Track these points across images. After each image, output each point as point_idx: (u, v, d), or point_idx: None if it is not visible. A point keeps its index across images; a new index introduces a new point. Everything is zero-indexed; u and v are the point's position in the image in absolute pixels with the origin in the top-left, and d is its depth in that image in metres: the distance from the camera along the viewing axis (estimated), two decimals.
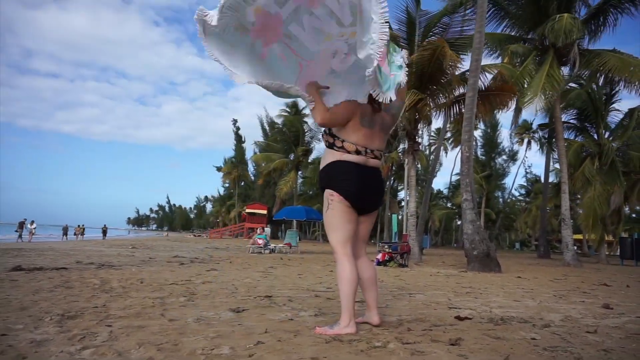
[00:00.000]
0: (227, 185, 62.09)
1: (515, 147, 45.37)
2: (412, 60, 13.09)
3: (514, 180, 47.37)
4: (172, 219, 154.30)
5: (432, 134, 38.94)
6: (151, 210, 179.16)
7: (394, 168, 32.85)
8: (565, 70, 16.36)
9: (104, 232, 34.84)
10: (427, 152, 39.05)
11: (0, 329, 2.48)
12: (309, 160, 38.75)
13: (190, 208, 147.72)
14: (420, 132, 18.87)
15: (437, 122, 23.55)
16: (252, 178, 55.91)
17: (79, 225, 34.24)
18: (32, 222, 25.16)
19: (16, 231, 24.56)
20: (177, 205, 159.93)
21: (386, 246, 11.61)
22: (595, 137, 20.48)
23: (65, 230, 30.61)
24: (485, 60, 15.56)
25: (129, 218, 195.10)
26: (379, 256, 10.63)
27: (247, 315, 3.16)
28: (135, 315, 3.03)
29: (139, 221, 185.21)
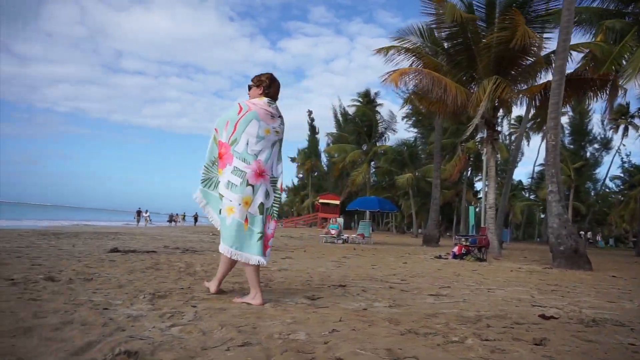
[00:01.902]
0: (300, 175, 63.35)
1: (609, 134, 41.33)
2: (490, 42, 12.38)
3: (608, 171, 42.98)
4: None
5: (513, 121, 36.71)
6: None
7: (471, 158, 31.49)
8: None
9: (195, 219, 39.90)
10: (507, 141, 36.94)
11: (103, 304, 2.75)
12: (382, 152, 38.27)
13: None
14: (499, 120, 17.89)
15: (518, 110, 22.14)
16: (325, 169, 56.47)
17: (177, 214, 39.40)
18: (147, 211, 31.83)
19: (134, 218, 31.65)
20: None
21: (463, 239, 11.21)
22: None
23: (171, 218, 37.35)
24: (575, 39, 14.29)
25: None
26: (455, 249, 10.28)
27: (321, 303, 3.22)
28: (217, 297, 3.22)
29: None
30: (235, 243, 3.01)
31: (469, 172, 35.41)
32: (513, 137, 36.84)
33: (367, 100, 39.55)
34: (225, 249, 3.04)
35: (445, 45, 14.30)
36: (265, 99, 3.21)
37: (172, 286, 3.61)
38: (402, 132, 66.99)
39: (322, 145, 55.99)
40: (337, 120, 47.91)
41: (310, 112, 59.00)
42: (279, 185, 3.28)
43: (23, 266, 4.31)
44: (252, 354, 1.87)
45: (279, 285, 4.02)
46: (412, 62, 14.15)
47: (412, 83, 13.91)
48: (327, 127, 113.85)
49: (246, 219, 3.03)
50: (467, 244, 10.54)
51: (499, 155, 29.72)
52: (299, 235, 20.52)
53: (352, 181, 36.98)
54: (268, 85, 3.25)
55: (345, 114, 45.21)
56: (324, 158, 56.05)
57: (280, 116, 3.29)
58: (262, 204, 3.08)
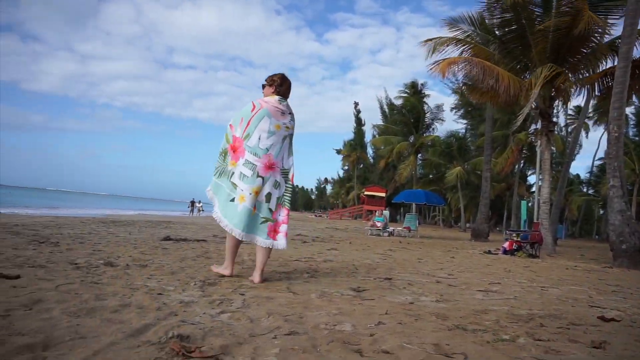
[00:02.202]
0: (346, 167, 63.28)
1: None
2: (547, 28, 11.73)
3: None
4: (294, 199, 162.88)
5: (571, 112, 34.77)
6: None
7: (524, 150, 30.17)
8: None
9: None
10: (564, 132, 35.05)
11: (157, 289, 2.89)
12: (429, 143, 37.44)
13: (312, 189, 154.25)
14: (555, 110, 16.96)
15: (577, 100, 20.90)
16: (371, 161, 56.07)
17: None
18: (200, 202, 33.61)
19: (188, 207, 34.37)
20: (299, 187, 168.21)
21: (514, 234, 10.80)
22: None
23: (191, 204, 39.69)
24: None
25: None
26: (506, 244, 9.93)
27: (367, 295, 3.21)
28: (264, 287, 3.29)
29: None
30: (246, 228, 3.39)
31: (522, 165, 33.97)
32: (570, 129, 34.92)
33: (414, 91, 38.74)
34: (236, 232, 3.40)
35: (497, 33, 13.73)
36: (277, 97, 3.52)
37: (221, 274, 3.72)
38: (451, 123, 65.27)
39: (368, 137, 55.63)
40: (383, 112, 47.38)
41: (356, 104, 58.68)
42: (290, 176, 3.56)
43: (85, 251, 4.59)
44: (298, 343, 1.90)
45: (324, 277, 4.05)
46: (462, 52, 13.69)
47: (461, 73, 13.48)
48: (373, 118, 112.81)
49: (254, 207, 3.41)
50: (519, 239, 10.15)
51: (554, 148, 28.32)
52: (344, 227, 20.55)
53: (399, 174, 36.46)
54: (279, 84, 3.57)
55: (391, 105, 44.59)
56: (370, 150, 55.69)
57: (290, 113, 3.59)
58: (269, 194, 3.45)
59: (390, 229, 15.74)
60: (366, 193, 43.52)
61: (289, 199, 3.56)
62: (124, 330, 1.93)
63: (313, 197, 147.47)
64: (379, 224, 15.41)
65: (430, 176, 41.49)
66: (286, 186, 3.54)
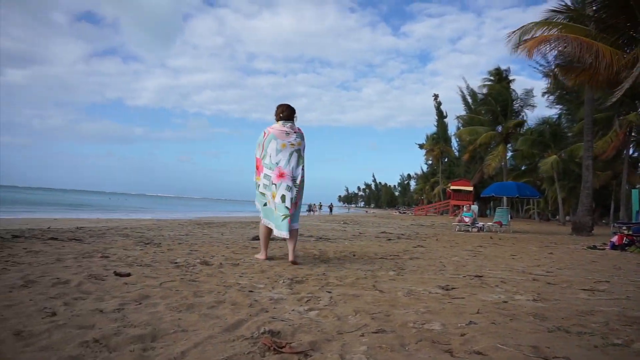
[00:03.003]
0: (429, 162, 61.52)
1: None
2: None
3: None
4: (378, 196, 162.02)
5: None
6: (358, 188, 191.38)
7: (632, 134, 27.06)
8: None
9: (331, 208, 45.97)
10: None
11: (249, 286, 3.03)
12: (519, 130, 34.99)
13: (395, 186, 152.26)
14: None
15: None
16: (456, 154, 53.93)
17: (315, 204, 43.88)
18: (316, 204, 39.09)
19: (307, 210, 38.34)
20: (382, 183, 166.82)
21: (624, 227, 9.75)
22: None
23: (310, 208, 42.28)
24: None
25: (339, 196, 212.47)
26: (614, 239, 8.99)
27: (456, 293, 3.09)
28: (350, 284, 3.31)
29: (348, 199, 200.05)
30: (271, 221, 4.45)
31: (632, 150, 30.51)
32: None
33: (499, 78, 36.51)
34: (265, 221, 4.52)
35: (594, 8, 12.46)
36: (280, 122, 4.54)
37: (308, 272, 3.81)
38: (542, 109, 60.53)
39: (451, 130, 53.58)
40: (466, 102, 45.32)
41: (436, 96, 56.79)
42: (298, 181, 4.48)
43: (184, 251, 4.96)
44: (386, 341, 1.88)
45: (411, 274, 3.97)
46: (553, 30, 12.62)
47: (552, 52, 12.42)
48: (457, 110, 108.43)
49: (275, 208, 4.39)
50: (630, 232, 9.13)
51: None
52: (429, 224, 20.00)
53: (487, 165, 34.58)
54: (280, 112, 4.58)
55: (475, 94, 42.48)
56: (454, 142, 53.59)
57: (296, 131, 4.54)
58: (283, 196, 4.37)
59: (480, 224, 15.00)
60: (452, 187, 41.97)
61: (294, 198, 4.43)
62: (220, 325, 2.05)
63: (396, 193, 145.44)
64: (467, 219, 14.76)
65: (523, 167, 38.85)
66: (296, 189, 4.45)
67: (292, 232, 4.38)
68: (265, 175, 4.47)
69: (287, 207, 4.33)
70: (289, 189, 4.39)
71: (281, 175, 4.41)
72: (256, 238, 7.20)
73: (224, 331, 1.97)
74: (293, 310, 2.43)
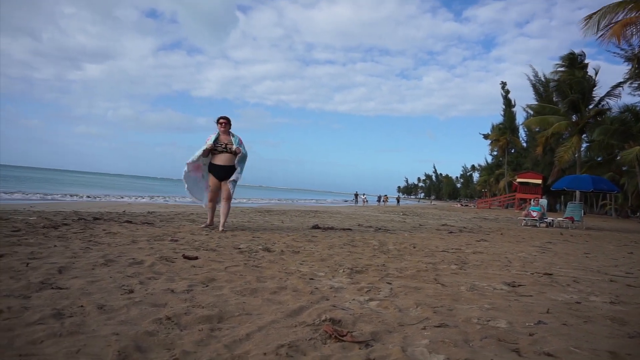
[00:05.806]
0: (495, 153, 58.82)
1: None
2: None
3: None
4: (438, 187, 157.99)
5: None
6: (419, 179, 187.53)
7: None
8: None
9: (398, 200, 48.77)
10: None
11: (309, 274, 3.08)
12: (598, 119, 32.38)
13: (457, 177, 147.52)
14: None
15: None
16: (524, 145, 51.15)
17: (360, 194, 43.41)
18: (364, 194, 41.19)
19: (352, 200, 40.89)
20: (443, 175, 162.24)
21: None
22: None
23: (379, 198, 45.34)
24: None
25: (399, 187, 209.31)
26: None
27: (523, 291, 2.95)
28: (411, 276, 3.26)
29: (408, 190, 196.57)
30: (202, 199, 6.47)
31: None
32: None
33: (571, 63, 33.93)
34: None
35: None
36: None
37: (368, 262, 3.80)
38: (625, 97, 55.72)
39: (519, 119, 50.86)
40: (536, 90, 42.71)
41: (504, 84, 54.00)
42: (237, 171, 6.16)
43: (246, 238, 5.13)
44: (449, 336, 1.84)
45: (474, 269, 3.85)
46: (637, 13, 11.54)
47: (637, 35, 11.39)
48: (525, 98, 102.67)
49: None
50: None
51: None
52: (493, 217, 19.19)
53: (559, 157, 32.46)
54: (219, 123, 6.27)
55: (546, 81, 39.87)
56: (522, 133, 50.82)
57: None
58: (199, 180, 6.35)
59: (549, 219, 14.18)
60: (519, 180, 39.90)
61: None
62: (282, 311, 2.11)
63: (459, 185, 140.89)
64: (534, 214, 14.01)
65: (599, 159, 36.09)
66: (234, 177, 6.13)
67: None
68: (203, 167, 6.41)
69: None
70: (202, 177, 6.36)
71: (197, 169, 6.28)
72: (316, 227, 7.30)
73: (286, 317, 2.02)
74: (353, 299, 2.44)
